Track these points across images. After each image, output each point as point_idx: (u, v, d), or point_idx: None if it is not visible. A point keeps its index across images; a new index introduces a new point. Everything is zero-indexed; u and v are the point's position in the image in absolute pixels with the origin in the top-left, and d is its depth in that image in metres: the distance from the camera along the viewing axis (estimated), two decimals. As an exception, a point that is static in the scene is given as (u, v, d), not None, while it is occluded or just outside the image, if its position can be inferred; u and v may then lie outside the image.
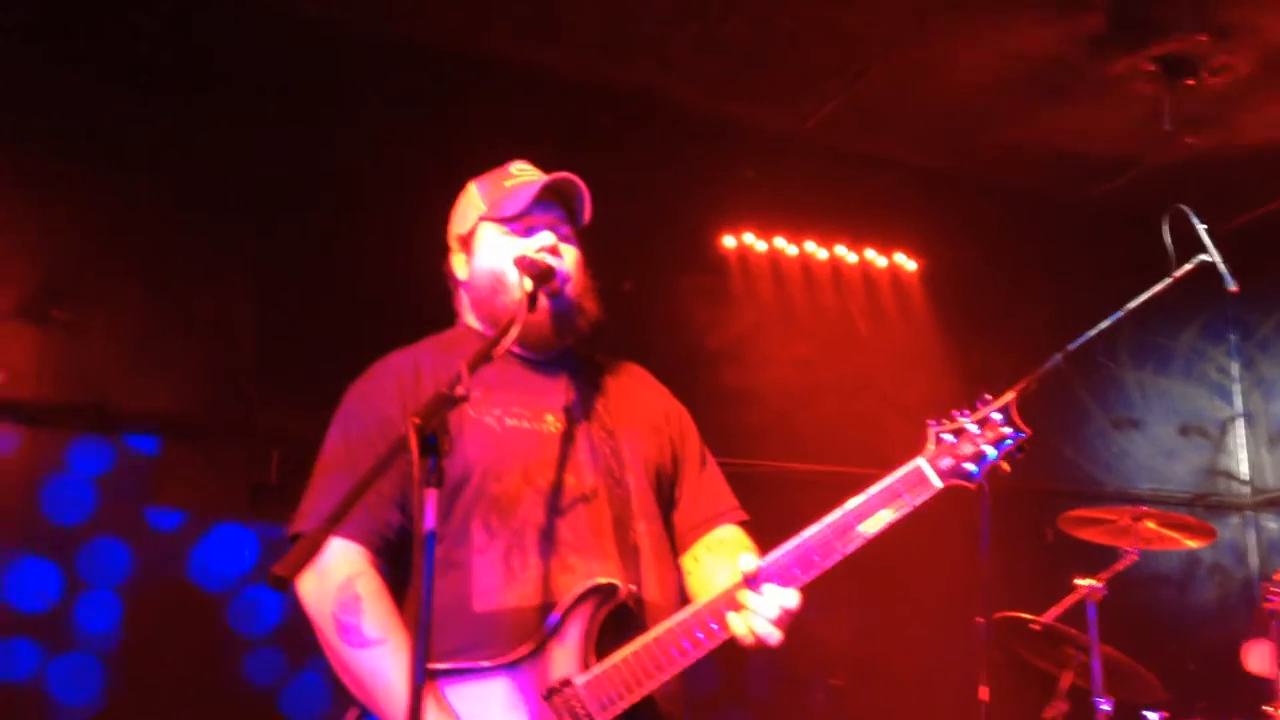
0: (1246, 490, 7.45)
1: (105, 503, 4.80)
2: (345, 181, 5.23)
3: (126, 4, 5.01)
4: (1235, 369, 7.58)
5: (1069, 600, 4.75)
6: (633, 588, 2.47)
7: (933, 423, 2.49)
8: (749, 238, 6.40)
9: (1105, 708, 4.45)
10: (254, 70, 5.16)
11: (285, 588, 1.89)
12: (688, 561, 2.72)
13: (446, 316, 2.86)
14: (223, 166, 5.08)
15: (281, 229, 5.17)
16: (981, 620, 4.70)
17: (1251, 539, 7.38)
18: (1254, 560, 7.33)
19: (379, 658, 2.37)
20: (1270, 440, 7.39)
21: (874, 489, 2.43)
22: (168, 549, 4.88)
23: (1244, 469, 7.48)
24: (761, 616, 2.34)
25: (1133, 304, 3.66)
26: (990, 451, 2.45)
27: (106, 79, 4.94)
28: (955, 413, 2.50)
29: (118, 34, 4.98)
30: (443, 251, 2.84)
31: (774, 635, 2.34)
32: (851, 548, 2.39)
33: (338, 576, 2.43)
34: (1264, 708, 4.32)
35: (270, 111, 5.15)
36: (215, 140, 5.07)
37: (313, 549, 1.92)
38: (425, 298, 3.01)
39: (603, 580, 2.42)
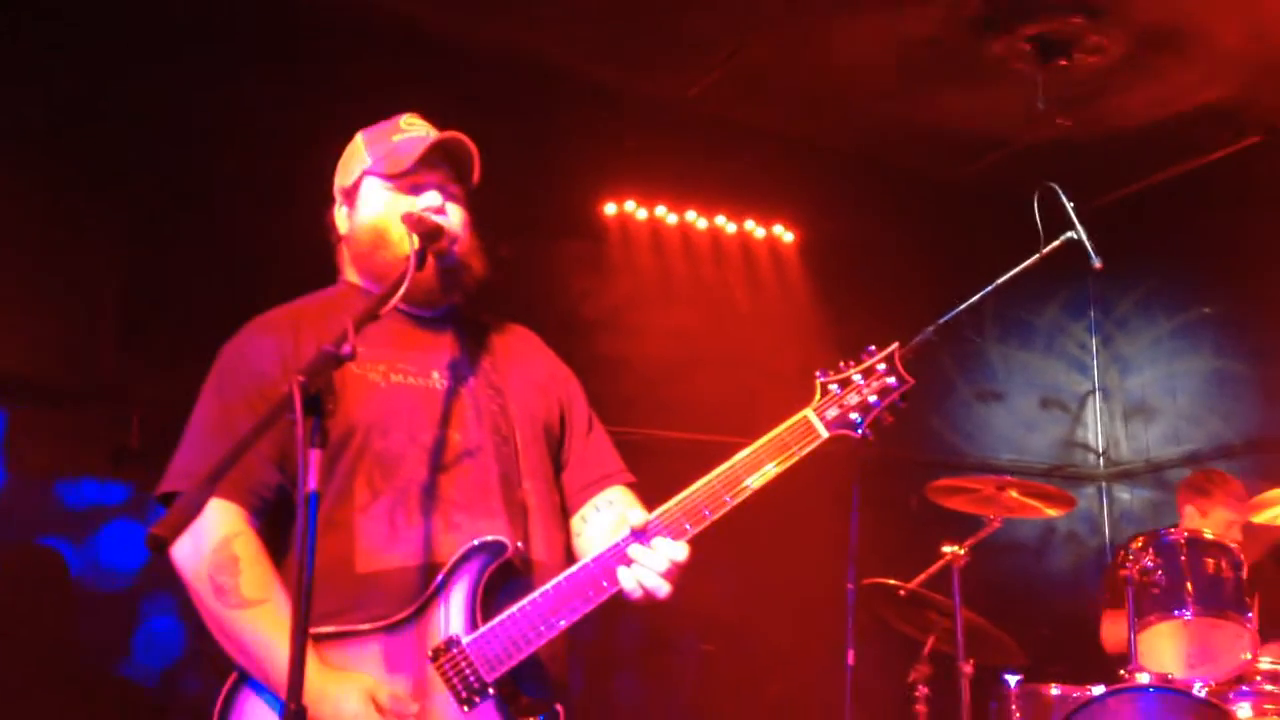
0: (1101, 462, 7.73)
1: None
2: (216, 136, 5.09)
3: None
4: (1094, 344, 7.84)
5: (934, 567, 4.87)
6: (520, 545, 2.45)
7: (820, 373, 2.55)
8: (630, 205, 6.40)
9: (967, 671, 4.58)
10: (125, 22, 4.98)
11: (162, 549, 1.83)
12: (576, 523, 2.72)
13: (320, 277, 2.79)
14: (88, 120, 4.89)
15: (149, 186, 5.01)
16: (850, 586, 4.80)
17: (1105, 509, 7.67)
18: (1106, 529, 7.63)
19: (258, 618, 2.32)
20: (1125, 414, 7.67)
21: (761, 441, 2.46)
22: (21, 513, 4.72)
23: (1099, 441, 7.75)
24: (651, 570, 2.34)
25: (1001, 279, 3.76)
26: (874, 400, 2.52)
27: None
28: (841, 364, 2.56)
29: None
30: (319, 210, 2.77)
31: (663, 588, 2.35)
32: (740, 499, 2.41)
33: (214, 537, 2.36)
34: (1119, 671, 4.48)
35: (139, 63, 4.98)
36: (81, 94, 4.88)
37: (193, 509, 1.86)
38: (299, 257, 2.94)
39: (489, 538, 2.40)
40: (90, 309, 4.93)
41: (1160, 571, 4.62)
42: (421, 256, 2.45)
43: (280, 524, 2.47)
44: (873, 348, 2.58)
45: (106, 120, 4.92)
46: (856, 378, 2.53)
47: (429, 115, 2.76)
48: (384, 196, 2.61)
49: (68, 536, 4.81)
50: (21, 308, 4.80)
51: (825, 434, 2.48)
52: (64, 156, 4.88)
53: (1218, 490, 5.45)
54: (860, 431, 2.51)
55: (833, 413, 2.50)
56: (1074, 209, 3.70)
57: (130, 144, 4.96)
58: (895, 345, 2.58)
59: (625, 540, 2.38)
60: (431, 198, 2.60)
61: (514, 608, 2.37)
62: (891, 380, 2.53)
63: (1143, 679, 4.40)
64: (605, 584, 2.38)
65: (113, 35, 4.97)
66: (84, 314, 4.92)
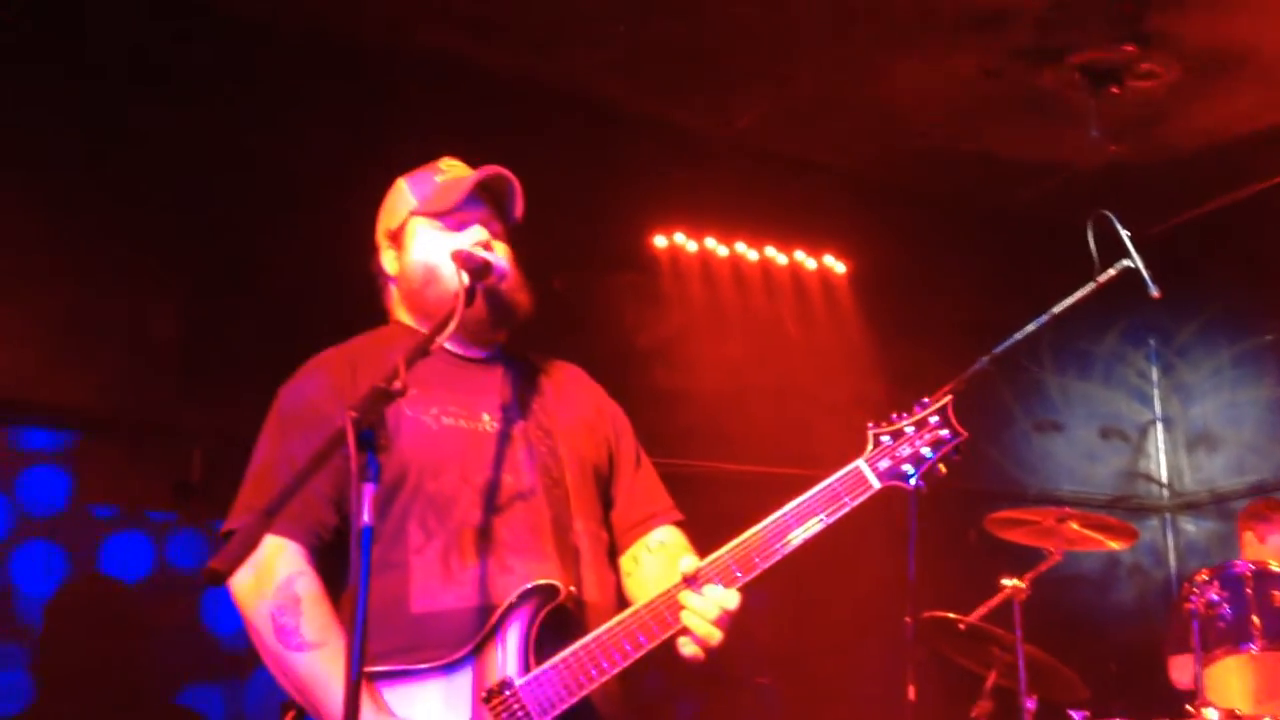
0: (1165, 493, 7.60)
1: (28, 499, 4.70)
2: (273, 177, 5.16)
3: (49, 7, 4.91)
4: (1155, 374, 7.74)
5: (994, 600, 4.80)
6: (573, 589, 2.45)
7: (871, 425, 2.54)
8: (680, 238, 6.41)
9: (1030, 707, 4.51)
10: (180, 65, 5.09)
11: (220, 582, 1.84)
12: (626, 562, 2.71)
13: (374, 314, 2.82)
14: (150, 161, 5.00)
15: (208, 225, 5.09)
16: (909, 620, 4.74)
17: (1170, 541, 7.54)
18: (1172, 561, 7.50)
19: (317, 661, 2.33)
20: (1188, 444, 7.55)
21: (813, 491, 2.45)
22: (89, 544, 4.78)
23: (1162, 472, 7.63)
24: (702, 617, 2.34)
25: (1057, 308, 3.72)
26: (927, 452, 2.51)
27: (28, 73, 4.85)
28: (894, 415, 2.55)
29: (41, 28, 4.88)
30: (372, 250, 2.81)
31: (714, 636, 2.35)
32: (791, 548, 2.41)
33: (277, 576, 2.38)
34: (1185, 707, 4.39)
35: (197, 106, 5.07)
36: (142, 135, 4.99)
37: (250, 543, 1.87)
38: (352, 295, 2.97)
39: (543, 581, 2.40)
40: (153, 345, 5.01)
41: (1226, 605, 4.55)
42: (471, 293, 2.47)
43: (338, 565, 2.47)
44: (926, 400, 2.58)
45: (166, 161, 5.02)
46: (909, 429, 2.53)
47: (479, 150, 2.79)
48: (431, 235, 2.65)
49: (128, 568, 4.87)
50: (87, 342, 4.88)
51: (877, 485, 2.48)
52: (125, 196, 4.97)
53: (1276, 515, 5.35)
54: (913, 483, 2.50)
55: (885, 464, 2.50)
56: (1130, 236, 3.66)
57: (190, 184, 5.05)
58: (949, 398, 2.58)
59: (676, 587, 2.38)
60: (477, 233, 2.63)
61: (567, 651, 2.37)
62: (945, 433, 2.53)
63: (1210, 715, 4.30)
64: (656, 629, 2.37)
65: (174, 81, 5.07)
66: (147, 349, 5.00)
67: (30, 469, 4.79)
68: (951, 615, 4.82)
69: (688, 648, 2.38)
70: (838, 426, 2.66)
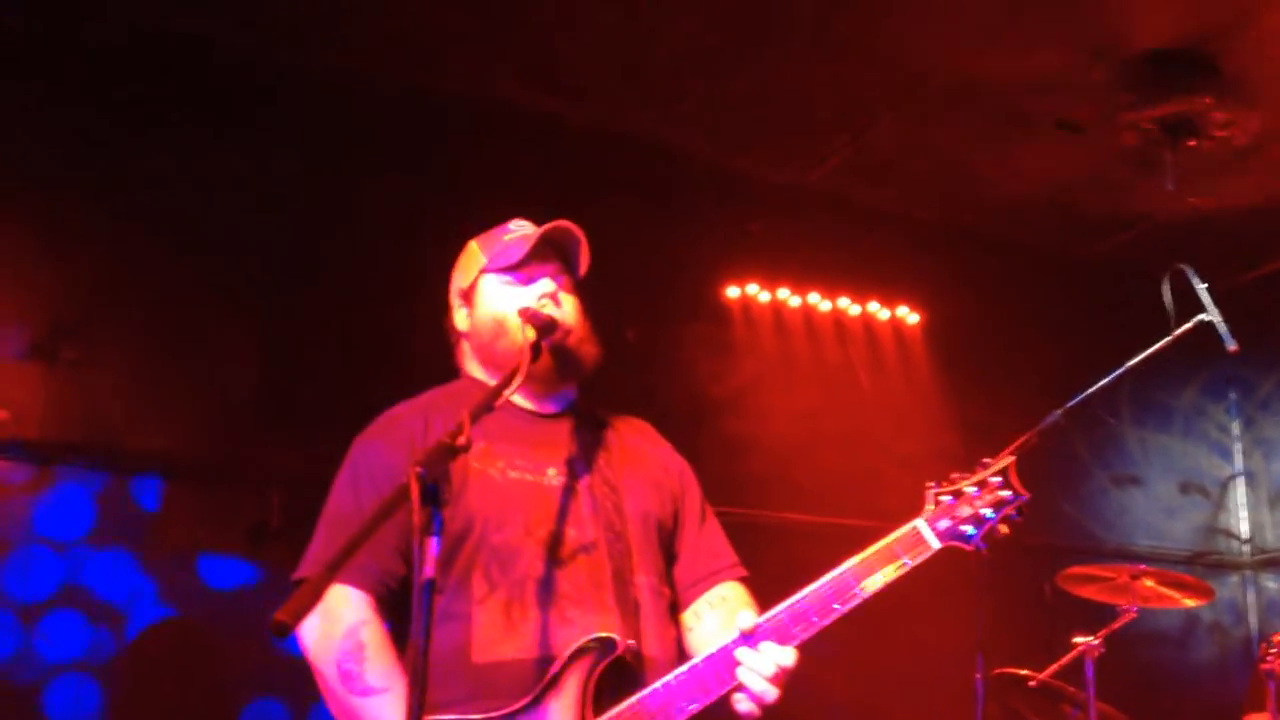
0: (1246, 549, 7.43)
1: (108, 540, 4.82)
2: (354, 227, 5.28)
3: (142, 43, 5.05)
4: (1235, 427, 7.59)
5: (1067, 658, 4.73)
6: (631, 643, 2.47)
7: (932, 485, 2.53)
8: (752, 288, 6.43)
9: (1102, 766, 4.43)
10: (267, 114, 5.22)
11: (287, 634, 1.89)
12: (688, 618, 2.73)
13: (447, 363, 2.89)
14: (232, 208, 5.12)
15: (288, 273, 5.21)
16: (979, 675, 4.68)
17: (1251, 598, 7.36)
18: (1253, 620, 7.31)
19: (381, 707, 2.38)
20: (1270, 500, 7.38)
21: (872, 549, 2.46)
22: (173, 586, 4.90)
23: (1244, 528, 7.46)
24: (758, 674, 2.35)
25: (1133, 361, 3.69)
26: (988, 514, 2.49)
27: (116, 117, 4.99)
28: (954, 475, 2.55)
29: (129, 72, 5.03)
30: (446, 304, 2.88)
31: (770, 693, 2.36)
32: (849, 607, 2.41)
33: (344, 623, 2.44)
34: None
35: (281, 155, 5.20)
36: (225, 181, 5.12)
37: (316, 594, 1.92)
38: (427, 344, 3.04)
39: (602, 634, 2.42)
40: (234, 390, 5.12)
41: (1305, 665, 4.43)
42: (537, 349, 2.52)
43: (405, 615, 2.52)
44: (987, 460, 2.57)
45: (246, 209, 5.14)
46: (970, 489, 2.51)
47: (555, 202, 2.87)
48: (500, 290, 2.72)
49: (210, 611, 4.96)
50: (171, 386, 5.01)
51: (936, 545, 2.48)
52: (208, 241, 5.09)
53: None
54: (973, 545, 2.49)
55: (944, 524, 2.49)
56: (1207, 289, 3.62)
57: (270, 232, 5.17)
58: (1010, 459, 2.56)
59: (734, 643, 2.39)
60: (545, 284, 2.70)
61: (623, 705, 2.39)
62: (1006, 494, 2.50)
63: (1288, 779, 4.20)
64: (713, 685, 2.38)
65: (257, 129, 5.20)
66: (229, 394, 5.11)
67: (119, 511, 4.90)
68: (1023, 672, 4.76)
69: (743, 704, 2.39)
70: (909, 478, 2.65)
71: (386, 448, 2.61)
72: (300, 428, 5.03)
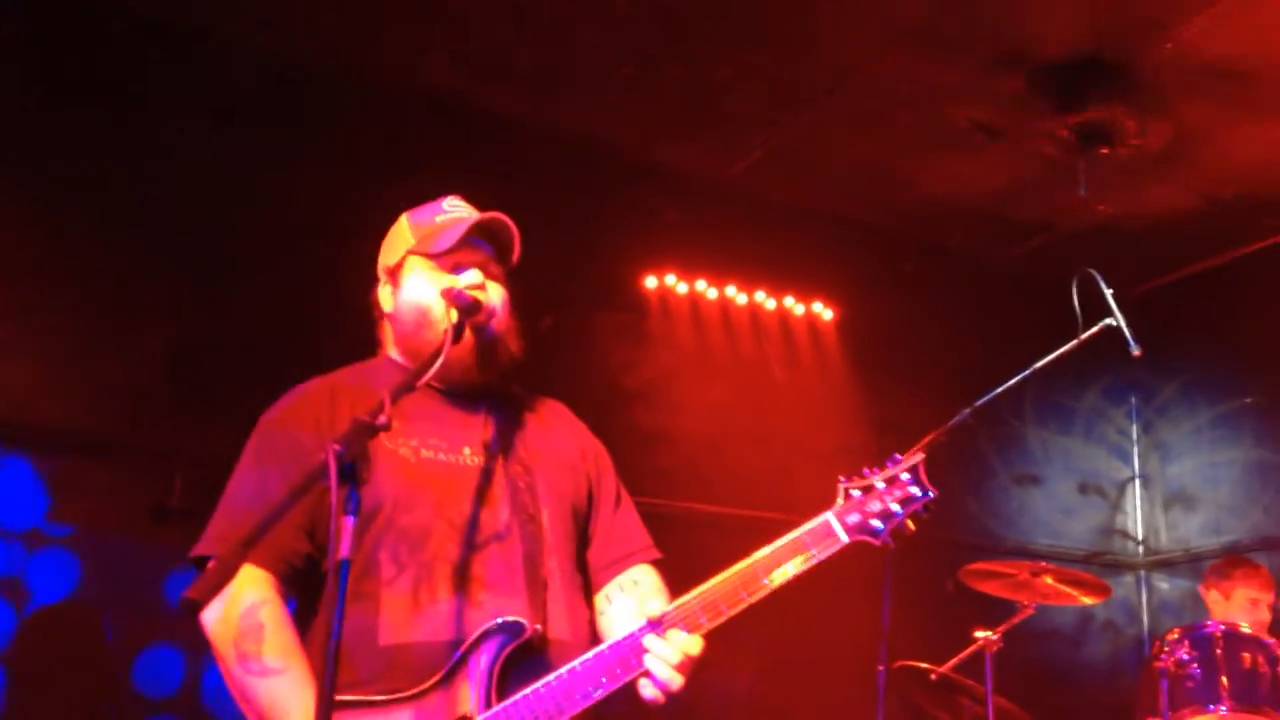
0: (1140, 550, 7.64)
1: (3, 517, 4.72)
2: (270, 209, 5.20)
3: (54, 23, 4.94)
4: (1134, 431, 7.78)
5: (967, 652, 4.83)
6: (539, 627, 2.46)
7: (843, 479, 2.56)
8: (671, 279, 6.45)
9: (998, 759, 4.52)
10: (183, 94, 5.13)
11: (196, 612, 1.86)
12: (600, 601, 2.73)
13: (360, 346, 2.85)
14: (146, 185, 5.03)
15: (198, 253, 5.12)
16: (881, 668, 4.75)
17: (1143, 598, 7.56)
18: (1145, 619, 7.52)
19: (279, 687, 2.35)
20: (1165, 503, 7.58)
21: (782, 541, 2.47)
22: (62, 566, 4.78)
23: (1139, 530, 7.66)
24: (664, 662, 2.37)
25: (1039, 363, 3.76)
26: (896, 510, 2.52)
27: (28, 96, 4.87)
28: (866, 470, 2.57)
29: (41, 51, 4.92)
30: (365, 284, 2.84)
31: (675, 681, 2.37)
32: (757, 597, 2.43)
33: (242, 603, 2.40)
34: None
35: (203, 130, 5.11)
36: (140, 157, 5.02)
37: (228, 574, 1.89)
38: (344, 327, 3.00)
39: (510, 618, 2.42)
40: (139, 368, 5.02)
41: (1196, 665, 4.57)
42: (459, 330, 2.50)
43: (307, 594, 2.51)
44: (898, 456, 2.60)
45: (161, 186, 5.05)
46: (880, 485, 2.54)
47: (475, 190, 2.83)
48: (427, 275, 2.67)
49: (106, 593, 4.86)
50: (72, 362, 4.90)
51: (845, 539, 2.50)
52: (119, 219, 5.00)
53: (1237, 571, 5.42)
54: (881, 539, 2.52)
55: (854, 518, 2.51)
56: (1113, 295, 3.71)
57: (183, 211, 5.08)
58: (920, 456, 2.58)
59: (641, 630, 2.40)
60: (472, 276, 2.65)
61: (529, 689, 2.39)
62: (915, 490, 2.53)
63: (1177, 775, 4.32)
64: (619, 671, 2.39)
65: (175, 110, 5.11)
66: (133, 372, 5.01)
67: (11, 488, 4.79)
68: (924, 665, 4.84)
69: (648, 690, 2.40)
70: (819, 472, 2.67)
71: (293, 423, 2.58)
72: (206, 408, 4.95)
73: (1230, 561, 5.62)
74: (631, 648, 2.39)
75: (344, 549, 1.91)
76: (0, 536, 4.71)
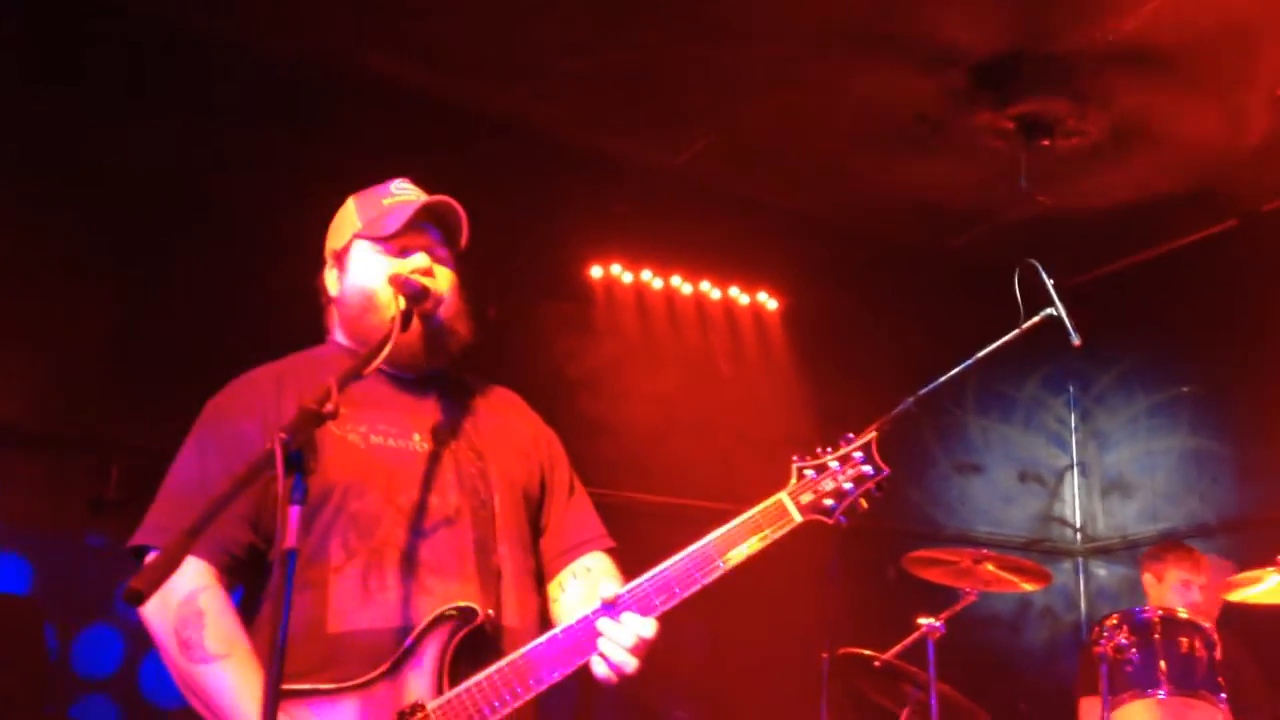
0: (1078, 537, 7.75)
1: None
2: (214, 194, 5.14)
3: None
4: (1073, 420, 7.89)
5: (910, 639, 4.86)
6: (490, 612, 2.45)
7: (796, 458, 2.57)
8: (616, 269, 6.45)
9: (941, 744, 4.56)
10: (128, 75, 5.06)
11: (140, 602, 1.83)
12: (553, 589, 2.72)
13: (305, 334, 2.82)
14: (89, 171, 4.95)
15: (144, 239, 5.05)
16: (825, 655, 4.78)
17: (1081, 585, 7.68)
18: (1083, 605, 7.63)
19: (221, 673, 2.32)
20: (1103, 490, 7.70)
21: (736, 521, 2.48)
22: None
23: (1076, 517, 7.77)
24: (618, 645, 2.36)
25: (982, 353, 3.79)
26: (849, 487, 2.54)
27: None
28: (819, 449, 2.58)
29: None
30: (307, 269, 2.80)
31: (630, 663, 2.37)
32: (711, 578, 2.43)
33: (180, 591, 2.36)
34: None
35: (141, 117, 5.04)
36: (83, 143, 4.94)
37: (171, 564, 1.86)
38: (288, 315, 2.97)
39: (460, 604, 2.40)
40: (74, 357, 4.94)
41: (1134, 649, 4.64)
42: (407, 318, 2.48)
43: (249, 583, 2.47)
44: (850, 435, 2.61)
45: (101, 169, 4.97)
46: (833, 464, 2.56)
47: (421, 176, 2.80)
48: (373, 259, 2.64)
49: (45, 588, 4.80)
50: (12, 353, 4.81)
51: (799, 518, 2.51)
52: (56, 202, 4.91)
53: (1169, 555, 5.51)
54: (834, 518, 2.53)
55: (807, 498, 2.52)
56: (1054, 285, 3.75)
57: (123, 193, 5.00)
58: (872, 434, 2.61)
59: (595, 613, 2.40)
60: (419, 259, 2.63)
61: (481, 675, 2.37)
62: (868, 469, 2.55)
63: (1116, 757, 4.39)
64: (574, 655, 2.39)
65: (112, 93, 5.02)
66: (68, 362, 4.93)
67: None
68: (867, 652, 4.87)
69: (600, 669, 2.39)
70: (764, 462, 2.69)
71: (236, 411, 2.54)
72: (145, 399, 4.88)
73: (1163, 546, 5.73)
74: (585, 631, 2.39)
75: (290, 538, 1.89)
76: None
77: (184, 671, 2.35)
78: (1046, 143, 5.73)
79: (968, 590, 4.96)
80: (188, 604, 2.36)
